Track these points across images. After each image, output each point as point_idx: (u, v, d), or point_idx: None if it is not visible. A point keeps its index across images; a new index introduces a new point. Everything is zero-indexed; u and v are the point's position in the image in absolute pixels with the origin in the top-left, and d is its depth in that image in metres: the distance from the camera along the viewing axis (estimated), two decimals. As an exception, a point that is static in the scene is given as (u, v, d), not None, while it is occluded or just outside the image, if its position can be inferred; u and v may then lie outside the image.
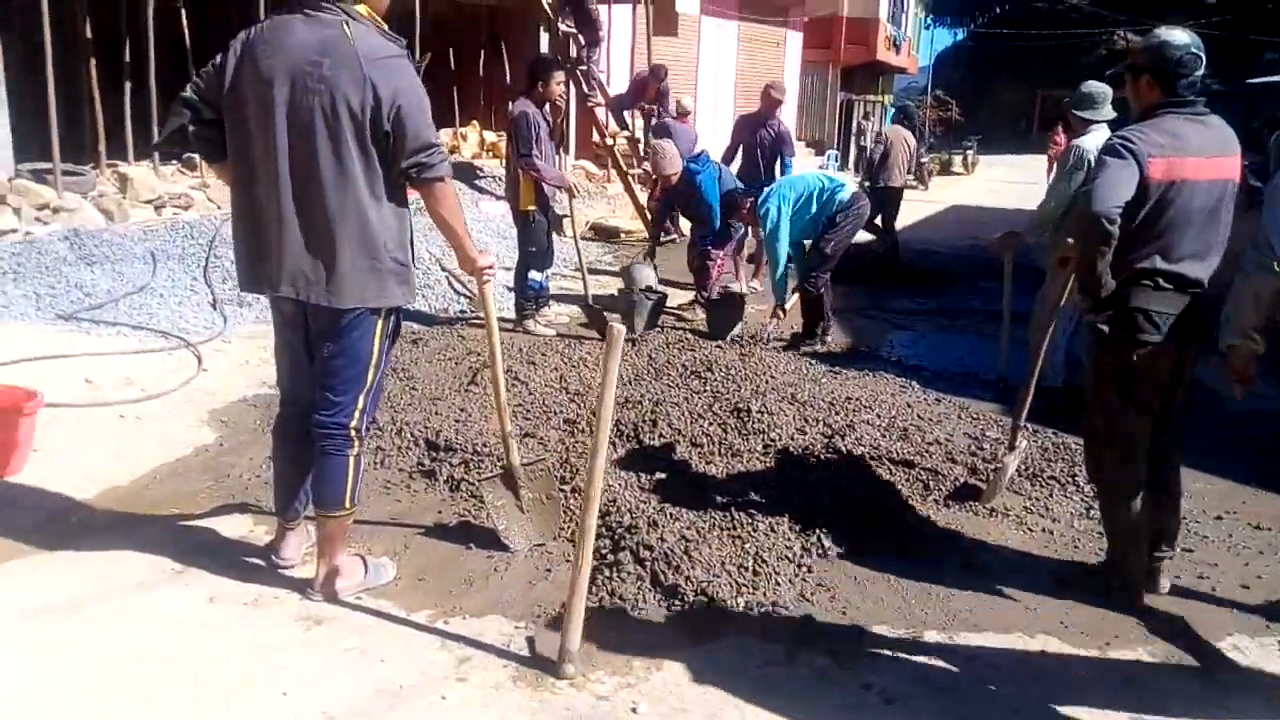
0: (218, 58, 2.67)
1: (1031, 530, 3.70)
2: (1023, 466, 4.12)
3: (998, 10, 40.73)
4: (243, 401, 4.68)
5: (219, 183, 6.37)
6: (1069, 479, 4.08)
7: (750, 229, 7.21)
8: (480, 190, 9.99)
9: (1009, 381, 5.38)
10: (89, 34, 8.33)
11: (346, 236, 2.62)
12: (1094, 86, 5.02)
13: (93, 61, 8.26)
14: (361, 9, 2.65)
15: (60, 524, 3.33)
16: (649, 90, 11.43)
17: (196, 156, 6.39)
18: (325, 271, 2.63)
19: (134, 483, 3.72)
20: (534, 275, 6.28)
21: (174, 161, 8.80)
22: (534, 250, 6.25)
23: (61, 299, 5.83)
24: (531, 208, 6.13)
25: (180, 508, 3.50)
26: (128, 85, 8.37)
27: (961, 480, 4.02)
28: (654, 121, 10.85)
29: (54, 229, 6.73)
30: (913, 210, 15.30)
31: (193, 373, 5.00)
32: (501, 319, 6.24)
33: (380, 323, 2.77)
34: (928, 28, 41.52)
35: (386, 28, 2.72)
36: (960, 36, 46.44)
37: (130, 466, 3.84)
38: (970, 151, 25.49)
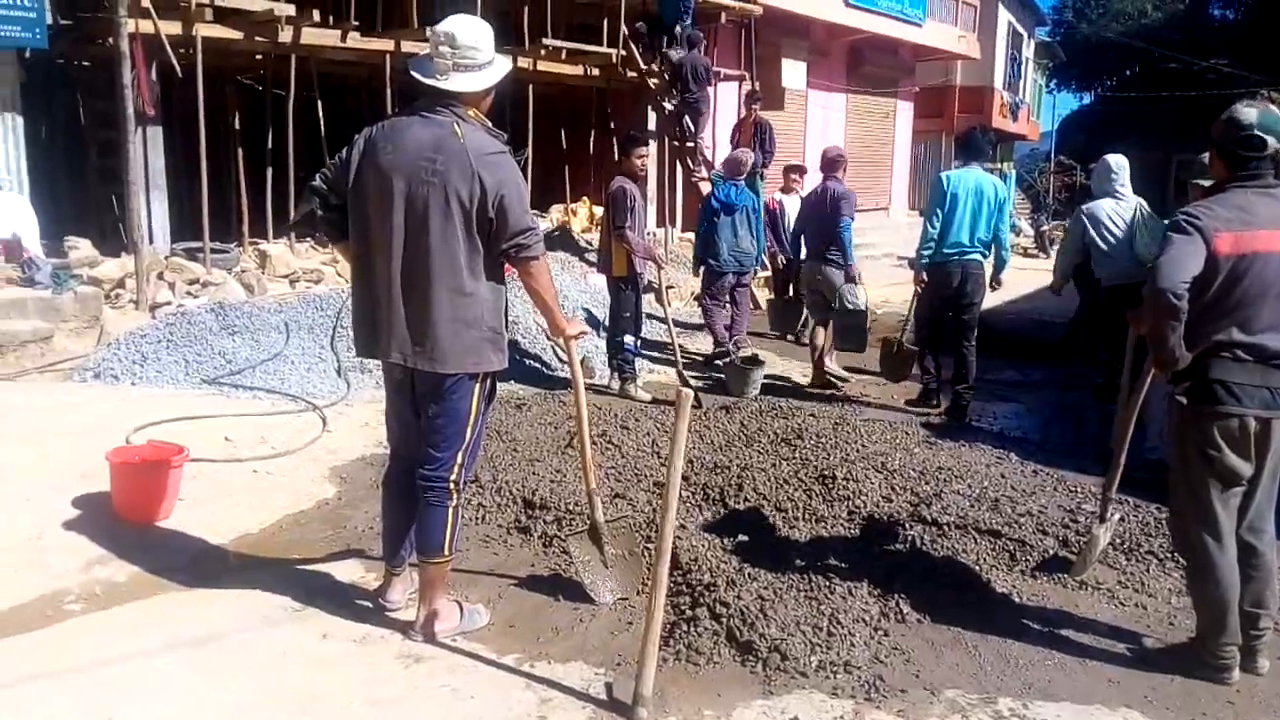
0: (344, 152, 3.07)
1: (1124, 605, 3.62)
2: (1119, 540, 4.05)
3: (1126, 73, 39.69)
4: (361, 460, 5.05)
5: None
6: (1168, 554, 3.94)
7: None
8: (589, 264, 10.39)
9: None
10: (237, 125, 9.25)
11: (447, 309, 2.94)
12: None
13: (239, 151, 9.14)
14: (470, 111, 3.01)
15: (200, 565, 3.72)
16: (744, 125, 11.46)
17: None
18: (429, 340, 2.95)
19: (263, 530, 4.10)
20: (627, 340, 6.63)
21: (307, 239, 9.57)
22: (626, 316, 6.61)
23: (206, 365, 6.42)
24: (624, 275, 6.51)
25: (302, 554, 3.86)
26: (269, 171, 9.22)
27: (1051, 552, 3.97)
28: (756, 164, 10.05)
29: (202, 301, 7.42)
30: (1032, 279, 15.00)
31: (318, 433, 5.42)
32: (601, 386, 6.64)
33: (478, 386, 3.07)
34: (1050, 92, 40.80)
35: (491, 125, 3.07)
36: (1086, 100, 45.41)
37: (261, 516, 4.23)
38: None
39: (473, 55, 2.97)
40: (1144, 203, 6.35)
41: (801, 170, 9.46)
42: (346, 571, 3.70)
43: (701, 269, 7.93)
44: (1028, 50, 30.58)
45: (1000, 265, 6.47)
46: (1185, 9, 40.65)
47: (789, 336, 9.16)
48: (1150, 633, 3.42)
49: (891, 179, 20.53)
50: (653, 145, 12.66)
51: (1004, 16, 26.09)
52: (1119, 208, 6.25)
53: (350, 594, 3.50)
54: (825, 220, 7.05)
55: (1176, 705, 2.95)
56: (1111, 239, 6.17)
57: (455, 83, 2.97)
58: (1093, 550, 3.78)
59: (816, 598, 3.42)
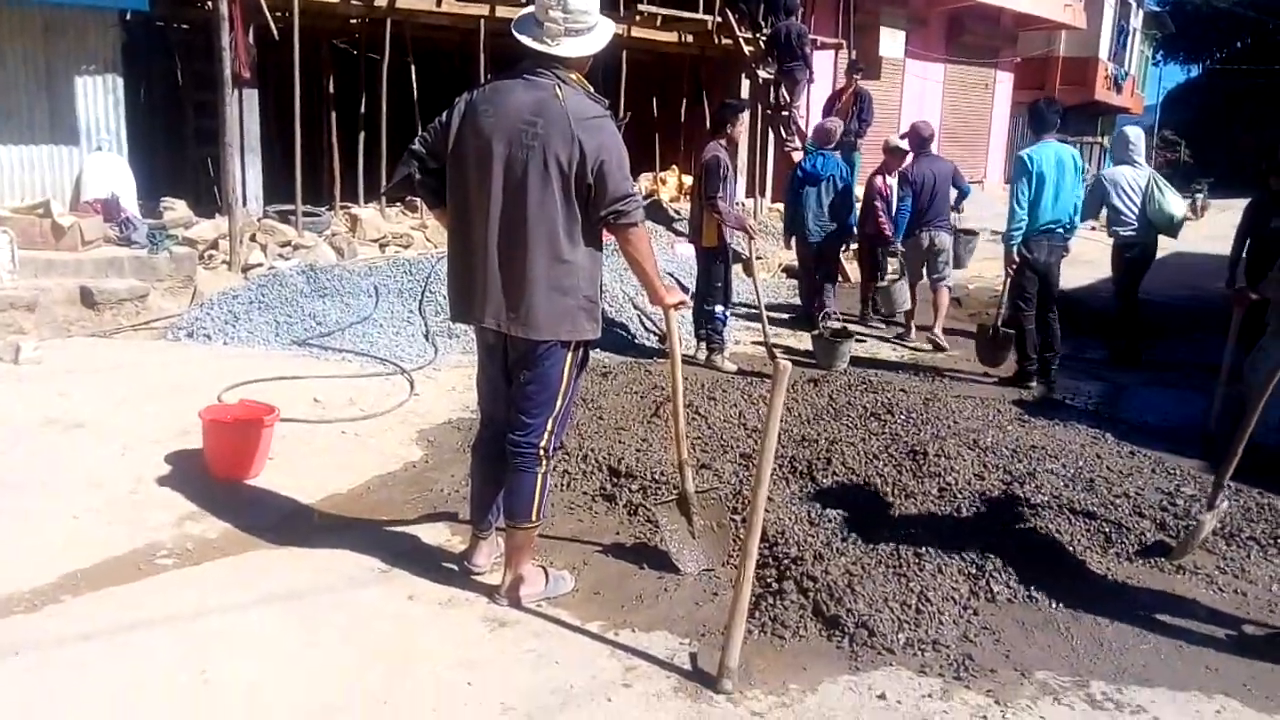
0: (443, 115, 3.03)
1: (1223, 590, 3.52)
2: (1220, 526, 3.89)
3: (1237, 45, 37.70)
4: (448, 424, 5.10)
5: (436, 224, 7.00)
6: (1270, 541, 3.84)
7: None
8: (677, 233, 10.31)
9: (1216, 438, 5.06)
10: (331, 90, 9.38)
11: (544, 276, 2.90)
12: None
13: (333, 115, 9.28)
14: (572, 75, 2.96)
15: (290, 524, 3.80)
16: (844, 94, 11.19)
17: (418, 200, 7.05)
18: (524, 306, 2.92)
19: (351, 491, 4.17)
20: (718, 310, 6.56)
21: (397, 204, 9.69)
22: (718, 286, 6.55)
23: (297, 327, 6.56)
24: (714, 245, 6.42)
25: (389, 515, 3.91)
26: (361, 135, 9.35)
27: (1149, 536, 3.84)
28: (847, 138, 10.13)
29: (293, 264, 7.59)
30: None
31: (405, 396, 5.50)
32: (687, 356, 6.59)
33: (570, 354, 3.04)
34: (1156, 64, 39.05)
35: (592, 89, 3.01)
36: (1194, 74, 43.33)
37: (349, 477, 4.30)
38: (1201, 195, 23.64)
39: (584, 19, 2.92)
40: (1156, 173, 7.16)
41: (904, 153, 8.71)
42: (433, 534, 3.74)
43: (793, 239, 8.03)
44: (1136, 20, 29.29)
45: (1070, 231, 6.45)
46: (1304, -23, 38.34)
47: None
48: (1251, 619, 3.32)
49: (988, 152, 19.93)
50: (745, 114, 12.50)
51: (1113, -15, 25.02)
52: (1136, 175, 6.96)
53: (436, 556, 3.54)
54: (946, 189, 7.72)
55: (1278, 694, 2.85)
56: (1130, 201, 6.91)
57: (565, 47, 2.91)
58: (1197, 536, 3.66)
59: (905, 574, 3.36)
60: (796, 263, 8.51)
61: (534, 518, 3.10)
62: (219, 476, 4.11)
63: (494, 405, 3.23)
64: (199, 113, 9.16)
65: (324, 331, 6.54)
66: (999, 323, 6.74)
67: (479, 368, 3.26)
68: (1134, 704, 2.79)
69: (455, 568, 3.41)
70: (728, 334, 6.88)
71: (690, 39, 11.71)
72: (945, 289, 7.85)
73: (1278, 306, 4.82)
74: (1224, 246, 17.94)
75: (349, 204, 9.42)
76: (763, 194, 12.33)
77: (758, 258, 9.91)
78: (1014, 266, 6.30)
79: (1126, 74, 28.39)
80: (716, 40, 11.72)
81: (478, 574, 3.35)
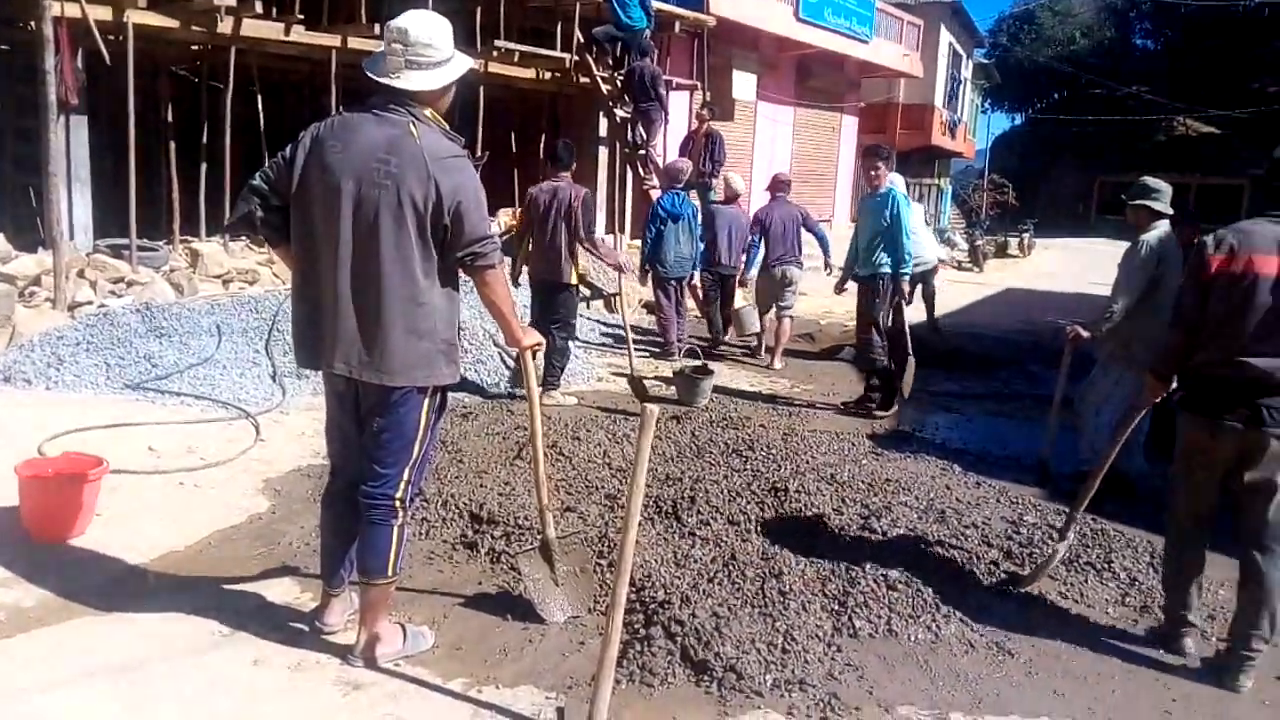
0: (288, 149, 2.88)
1: (1066, 616, 3.69)
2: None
3: (1055, 96, 41.05)
4: (297, 471, 4.84)
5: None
6: (1105, 565, 4.08)
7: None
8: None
9: (1050, 466, 5.37)
10: (169, 118, 8.89)
11: (398, 318, 2.78)
12: (1156, 181, 5.13)
13: (172, 145, 8.79)
14: (427, 112, 2.87)
15: (119, 587, 3.48)
16: (696, 135, 11.47)
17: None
18: (376, 350, 2.78)
19: (189, 548, 3.87)
20: (570, 345, 6.64)
21: (242, 239, 9.23)
22: (572, 323, 6.63)
23: (130, 369, 6.12)
24: (575, 281, 6.49)
25: (232, 572, 3.64)
26: (203, 167, 8.88)
27: (996, 564, 4.02)
28: (701, 179, 10.73)
29: (127, 301, 7.10)
30: (966, 293, 15.33)
31: (250, 443, 5.20)
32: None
33: (428, 400, 2.92)
34: (984, 113, 41.95)
35: (448, 127, 2.93)
36: (1017, 122, 46.83)
37: (187, 532, 3.99)
38: (1027, 235, 25.45)
39: (427, 53, 2.83)
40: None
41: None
42: (280, 592, 3.51)
43: (648, 275, 8.33)
44: (966, 70, 31.48)
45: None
46: (1110, 38, 42.23)
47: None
48: (1091, 642, 3.49)
49: (835, 192, 20.83)
50: (604, 152, 12.62)
51: (945, 37, 26.90)
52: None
53: (284, 616, 3.31)
54: (796, 230, 8.41)
55: (1118, 717, 3.01)
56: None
57: (408, 80, 2.82)
58: (1049, 564, 3.85)
59: (771, 614, 3.38)
60: (653, 297, 8.74)
61: (390, 573, 2.95)
62: (38, 537, 3.75)
63: (345, 455, 3.06)
64: (20, 138, 8.49)
65: (160, 374, 6.12)
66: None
67: (328, 415, 3.08)
68: (991, 734, 2.87)
69: (305, 628, 3.20)
70: (590, 370, 6.86)
71: (549, 76, 11.75)
72: (789, 319, 8.54)
73: (1104, 342, 5.19)
74: (1050, 283, 19.22)
75: (190, 238, 8.91)
76: (622, 230, 12.44)
77: (615, 294, 10.16)
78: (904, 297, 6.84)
79: (960, 120, 30.37)
80: (575, 78, 11.81)
81: (330, 634, 3.15)
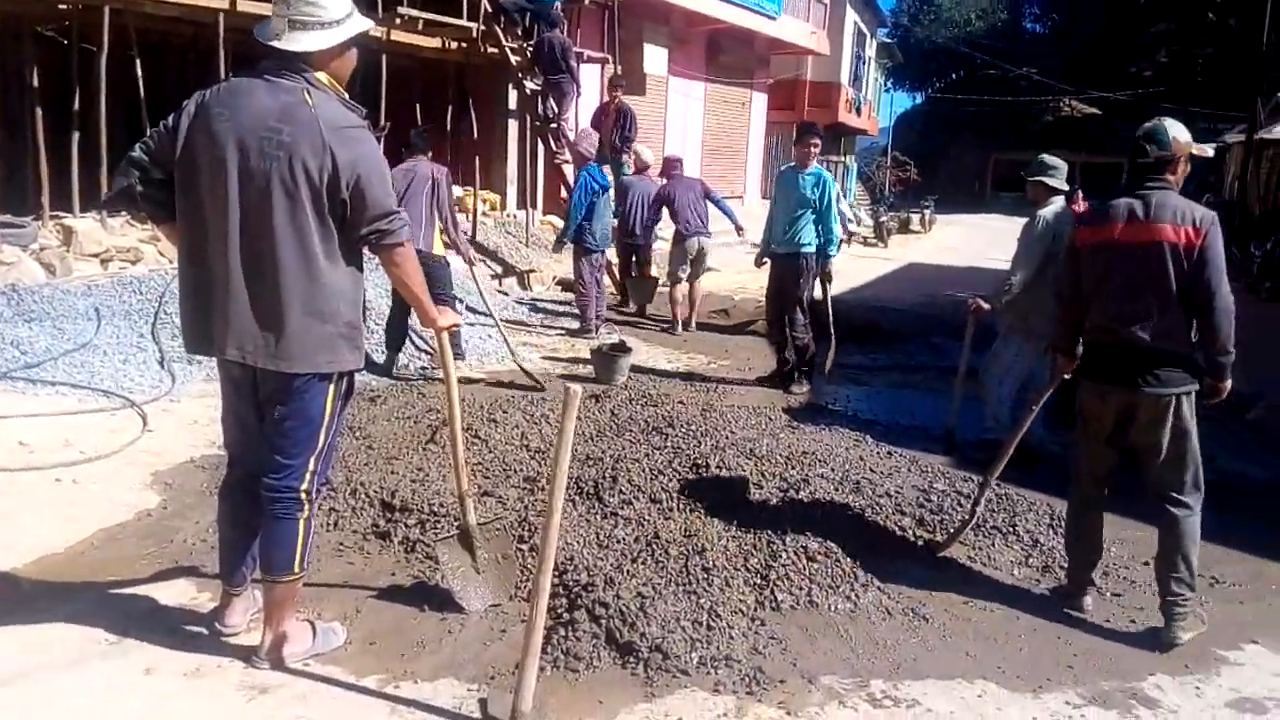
0: (170, 118, 2.65)
1: (975, 578, 3.79)
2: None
3: (953, 76, 42.31)
4: (190, 463, 4.56)
5: (169, 238, 6.29)
6: (1010, 529, 4.19)
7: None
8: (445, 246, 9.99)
9: (956, 435, 5.48)
10: (35, 83, 8.21)
11: (297, 299, 2.58)
12: (1053, 158, 5.25)
13: (38, 111, 8.13)
14: (323, 77, 2.67)
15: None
16: (607, 109, 11.27)
17: (145, 212, 6.31)
18: (274, 335, 2.59)
19: (70, 549, 3.59)
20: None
21: (122, 214, 8.64)
22: (451, 294, 6.64)
23: (-5, 357, 5.66)
24: (441, 253, 6.58)
25: (120, 574, 3.38)
26: (75, 135, 8.25)
27: (910, 532, 4.10)
28: (614, 154, 10.69)
29: (-10, 283, 6.56)
30: (871, 268, 15.63)
31: (136, 433, 4.87)
32: (464, 377, 6.29)
33: (332, 386, 2.73)
34: (887, 91, 42.95)
35: (347, 96, 2.73)
36: (918, 101, 48.12)
37: (66, 533, 3.70)
38: (928, 211, 26.10)
39: (314, 12, 2.62)
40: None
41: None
42: (174, 593, 3.27)
43: (577, 248, 8.38)
44: (870, 50, 32.07)
45: None
46: (1004, 21, 43.72)
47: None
48: (999, 602, 3.60)
49: (746, 168, 20.94)
50: (514, 125, 12.32)
51: (850, 16, 27.38)
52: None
53: (179, 619, 3.08)
54: (699, 201, 8.81)
55: (1026, 674, 3.12)
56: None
57: (293, 41, 2.61)
58: (961, 532, 3.96)
59: (695, 591, 3.35)
60: (572, 274, 8.80)
61: (296, 569, 2.76)
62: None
63: (243, 445, 2.85)
64: None
65: (30, 362, 5.67)
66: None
67: (224, 403, 2.86)
68: (909, 698, 2.94)
69: (204, 630, 2.99)
70: (495, 350, 6.79)
71: (455, 46, 11.37)
72: (699, 285, 9.08)
73: (1003, 315, 5.29)
74: (951, 258, 19.80)
75: (61, 214, 8.27)
76: (534, 206, 12.15)
77: (530, 270, 10.50)
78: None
79: (864, 99, 30.95)
80: (483, 48, 11.44)
81: (231, 635, 2.95)
